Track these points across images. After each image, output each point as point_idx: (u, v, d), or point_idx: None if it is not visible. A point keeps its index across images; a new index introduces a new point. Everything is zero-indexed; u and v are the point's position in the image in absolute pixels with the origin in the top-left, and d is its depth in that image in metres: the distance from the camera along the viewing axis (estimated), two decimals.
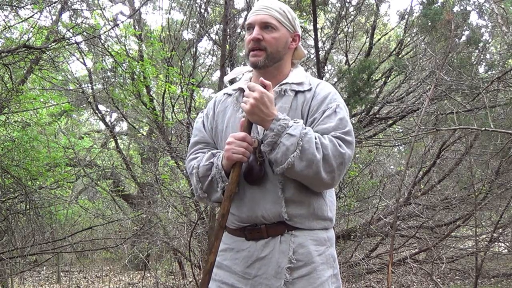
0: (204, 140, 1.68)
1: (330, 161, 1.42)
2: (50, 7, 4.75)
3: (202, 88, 9.04)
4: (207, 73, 7.59)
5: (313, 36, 4.92)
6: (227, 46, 5.43)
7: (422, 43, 6.46)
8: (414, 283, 5.75)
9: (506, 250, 7.16)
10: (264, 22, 1.55)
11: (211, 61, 7.24)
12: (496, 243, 6.71)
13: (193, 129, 1.76)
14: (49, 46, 4.38)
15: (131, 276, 7.20)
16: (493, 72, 5.98)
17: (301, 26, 6.94)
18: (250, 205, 1.51)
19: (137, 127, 8.28)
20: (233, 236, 1.59)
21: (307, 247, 1.49)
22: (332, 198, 1.61)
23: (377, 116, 7.14)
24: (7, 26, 4.59)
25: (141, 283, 6.32)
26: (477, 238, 5.63)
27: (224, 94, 1.70)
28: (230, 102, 1.65)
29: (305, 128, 1.44)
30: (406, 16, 7.00)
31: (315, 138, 1.43)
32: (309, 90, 1.57)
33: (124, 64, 5.64)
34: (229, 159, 1.47)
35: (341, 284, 1.59)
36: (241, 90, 1.63)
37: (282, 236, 1.50)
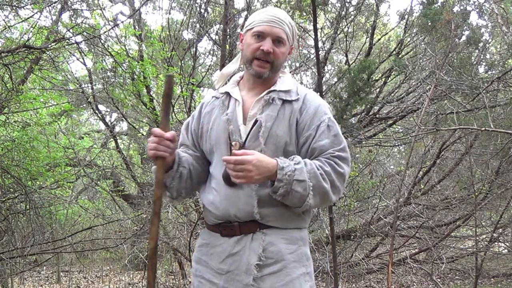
0: (184, 142, 1.76)
1: (336, 184, 1.52)
2: (50, 7, 4.75)
3: (202, 88, 9.03)
4: (207, 73, 7.59)
5: (313, 36, 4.92)
6: (227, 46, 5.43)
7: (422, 43, 6.46)
8: (414, 283, 5.75)
9: (506, 250, 7.16)
10: (278, 36, 1.58)
11: (211, 61, 7.24)
12: (496, 243, 6.70)
13: None
14: (49, 46, 4.38)
15: (131, 276, 7.20)
16: (493, 72, 5.98)
17: (301, 26, 6.98)
18: (225, 203, 1.57)
19: (137, 127, 8.28)
20: (210, 232, 1.66)
21: (278, 245, 1.54)
22: None
23: (377, 116, 7.14)
24: (7, 26, 4.58)
25: (141, 283, 6.32)
26: (477, 238, 5.63)
27: (212, 97, 1.73)
28: (217, 105, 1.68)
29: (306, 164, 1.48)
30: (406, 16, 7.00)
31: (318, 169, 1.49)
32: (297, 100, 1.60)
33: (124, 64, 5.64)
34: (148, 155, 1.56)
35: (314, 284, 1.62)
36: (227, 94, 1.67)
37: (254, 234, 1.55)
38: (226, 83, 1.75)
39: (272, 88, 1.61)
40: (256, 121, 1.56)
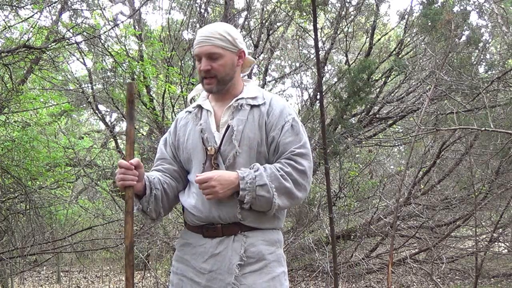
0: (162, 156, 1.86)
1: (299, 182, 1.63)
2: (50, 7, 4.75)
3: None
4: None
5: (313, 36, 4.92)
6: None
7: (422, 43, 6.46)
8: (414, 283, 5.75)
9: (506, 250, 7.16)
10: (209, 53, 1.69)
11: None
12: (496, 243, 6.70)
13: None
14: (49, 46, 4.38)
15: None
16: (493, 72, 5.98)
17: (301, 26, 6.99)
18: (209, 206, 1.66)
19: (137, 127, 8.28)
20: (191, 232, 1.75)
21: (258, 246, 1.66)
22: None
23: (377, 116, 7.13)
24: (7, 26, 4.58)
25: (141, 283, 6.32)
26: (477, 238, 5.63)
27: (186, 112, 1.88)
28: (191, 118, 1.81)
29: (265, 169, 1.61)
30: (406, 16, 7.00)
31: (278, 171, 1.61)
32: (264, 104, 1.74)
33: (124, 64, 5.63)
34: (117, 186, 1.69)
35: (288, 283, 1.74)
36: (199, 107, 1.81)
37: (235, 236, 1.66)
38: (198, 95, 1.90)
39: (239, 96, 1.74)
40: (228, 126, 1.68)
